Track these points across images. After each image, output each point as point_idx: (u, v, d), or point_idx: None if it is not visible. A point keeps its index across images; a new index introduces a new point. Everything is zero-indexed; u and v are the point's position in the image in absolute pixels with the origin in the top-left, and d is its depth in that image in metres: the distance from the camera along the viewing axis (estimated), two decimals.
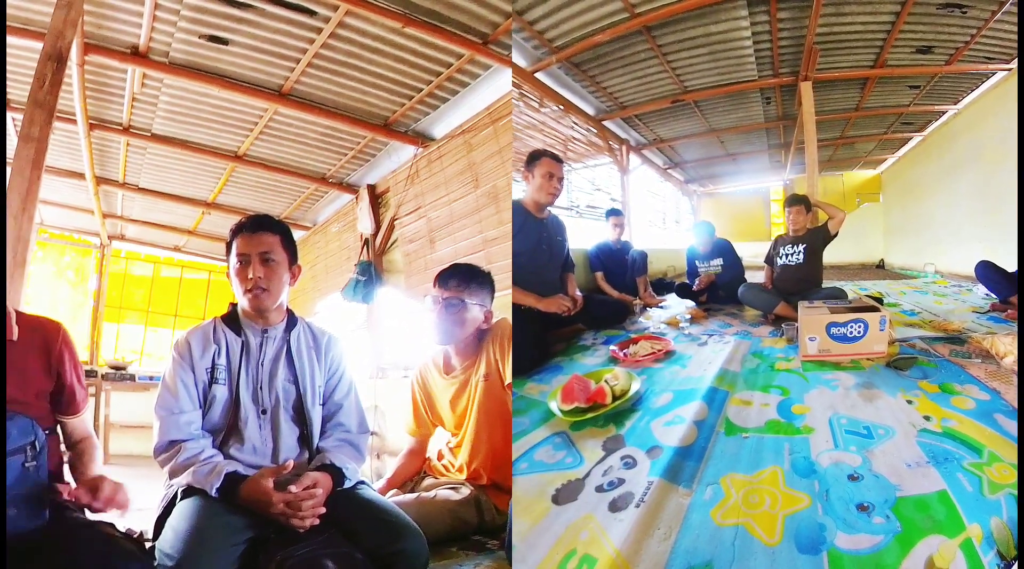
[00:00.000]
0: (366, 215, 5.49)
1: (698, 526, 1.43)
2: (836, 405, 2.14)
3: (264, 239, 1.77)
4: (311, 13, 3.32)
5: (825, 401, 2.19)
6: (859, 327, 2.72)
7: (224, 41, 3.58)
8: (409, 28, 3.36)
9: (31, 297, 6.93)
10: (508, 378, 2.19)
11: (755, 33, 4.62)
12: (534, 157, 3.24)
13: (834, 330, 2.73)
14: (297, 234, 7.05)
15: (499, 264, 3.79)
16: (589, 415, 2.12)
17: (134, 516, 3.29)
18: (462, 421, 2.30)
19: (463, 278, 2.26)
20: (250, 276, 1.74)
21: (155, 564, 1.44)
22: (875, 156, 7.83)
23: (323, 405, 1.87)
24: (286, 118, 4.53)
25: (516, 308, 3.13)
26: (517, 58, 4.61)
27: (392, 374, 5.20)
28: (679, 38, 4.70)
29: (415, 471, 2.43)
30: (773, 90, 5.73)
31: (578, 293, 3.51)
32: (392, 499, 2.05)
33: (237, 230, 1.79)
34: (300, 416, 1.80)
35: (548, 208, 3.40)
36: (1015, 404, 1.99)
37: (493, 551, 1.97)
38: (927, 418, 1.94)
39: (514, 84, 4.65)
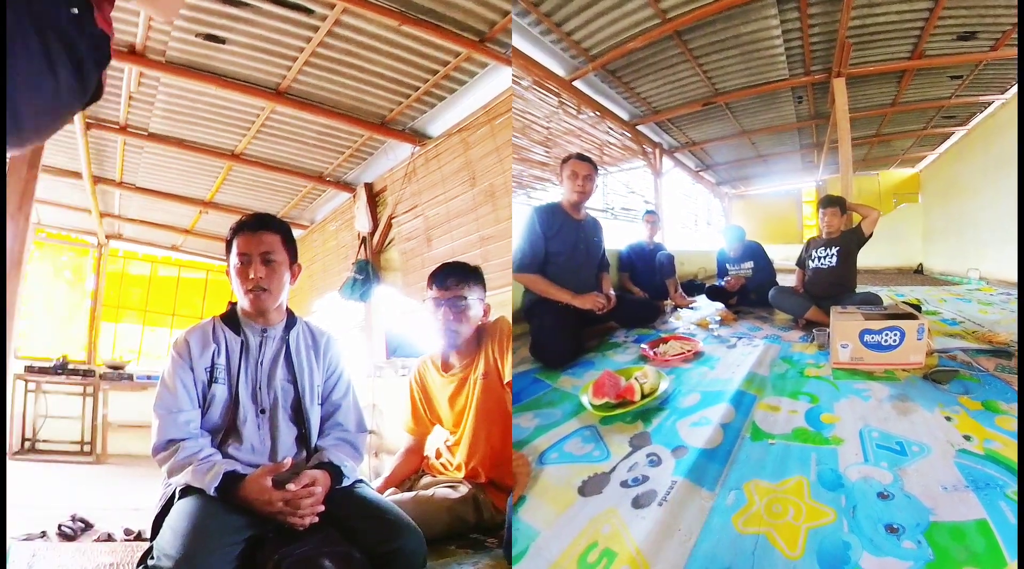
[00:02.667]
0: (363, 213, 5.49)
1: (719, 531, 1.41)
2: (868, 417, 2.04)
3: (265, 238, 1.77)
4: (308, 11, 3.31)
5: (856, 412, 2.10)
6: (895, 335, 2.58)
7: (221, 40, 3.58)
8: (406, 26, 3.35)
9: (28, 297, 6.93)
10: (507, 376, 2.19)
11: (785, 31, 4.54)
12: (563, 161, 3.42)
13: (868, 337, 2.61)
14: (295, 233, 7.00)
15: (496, 262, 3.80)
16: (618, 411, 2.15)
17: (132, 515, 3.30)
18: (460, 419, 2.30)
19: (460, 275, 2.27)
20: (251, 276, 1.74)
21: (154, 563, 1.45)
22: (913, 153, 7.49)
23: (321, 405, 1.87)
24: (283, 117, 4.52)
25: (552, 304, 3.23)
26: (556, 68, 4.84)
27: (389, 373, 5.20)
28: (709, 40, 4.68)
29: (413, 469, 2.43)
30: (805, 88, 5.60)
31: (612, 292, 3.58)
32: (390, 497, 2.06)
33: (238, 229, 1.79)
34: (298, 416, 1.80)
35: (585, 209, 3.53)
36: None
37: (491, 549, 1.97)
38: (967, 438, 1.80)
39: (552, 92, 4.95)
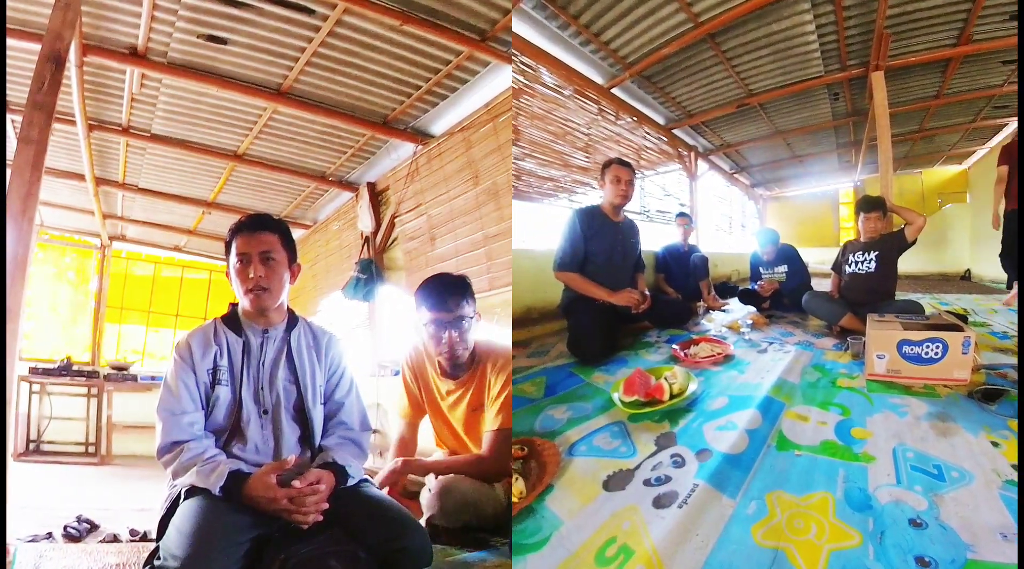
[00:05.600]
0: (366, 213, 5.49)
1: (736, 541, 1.36)
2: (903, 435, 1.91)
3: (264, 238, 1.77)
4: (309, 12, 3.31)
5: (890, 428, 1.97)
6: (937, 348, 2.39)
7: (222, 40, 3.58)
8: (407, 25, 3.35)
9: (32, 299, 6.95)
10: (503, 422, 2.17)
11: (819, 26, 4.41)
12: (605, 165, 3.52)
13: (907, 349, 2.44)
14: (297, 233, 7.06)
15: (500, 261, 3.80)
16: (646, 409, 2.18)
17: (137, 515, 3.31)
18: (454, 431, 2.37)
19: (459, 294, 2.21)
20: (251, 276, 1.74)
21: (160, 563, 1.45)
22: (960, 149, 7.01)
23: (324, 404, 1.87)
24: (285, 117, 4.53)
25: (589, 303, 3.36)
26: (594, 76, 4.98)
27: (394, 371, 5.20)
28: (742, 41, 4.65)
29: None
30: (841, 85, 5.44)
31: (647, 292, 3.64)
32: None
33: (236, 230, 1.79)
34: (301, 416, 1.80)
35: (623, 212, 3.61)
36: None
37: (497, 547, 1.97)
38: (1016, 468, 1.63)
39: (591, 100, 5.15)
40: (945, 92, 5.49)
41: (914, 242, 3.67)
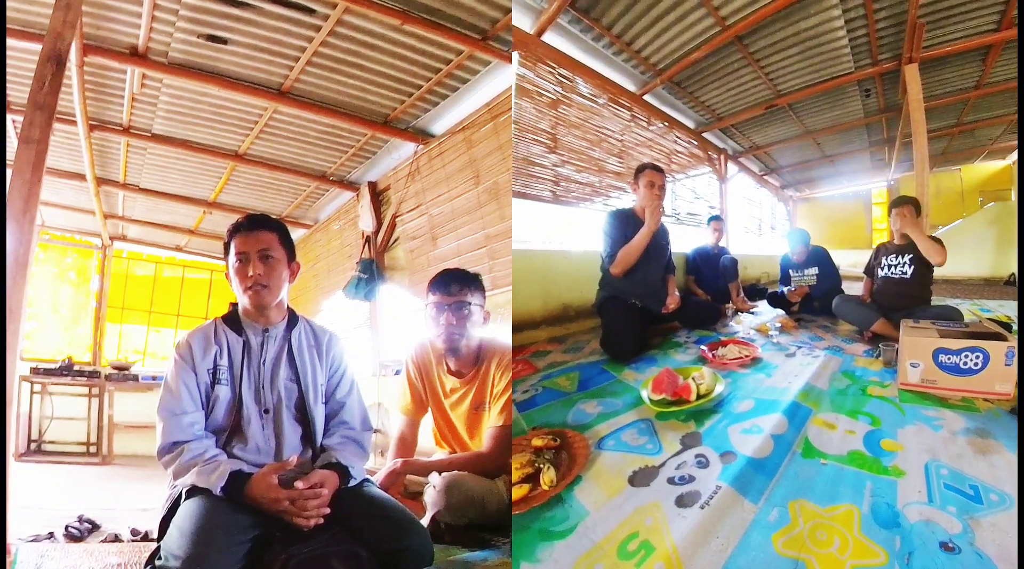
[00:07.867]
0: (367, 213, 5.49)
1: (756, 547, 1.33)
2: (937, 450, 1.80)
3: (262, 236, 1.78)
4: (310, 11, 3.31)
5: (923, 442, 1.87)
6: (977, 358, 2.25)
7: (223, 40, 3.58)
8: (408, 25, 3.35)
9: (33, 299, 6.95)
10: (506, 418, 2.21)
11: (848, 20, 4.23)
12: (638, 170, 3.57)
13: (943, 358, 2.31)
14: (298, 232, 7.06)
15: (502, 260, 3.80)
16: (674, 408, 2.21)
17: (139, 515, 3.31)
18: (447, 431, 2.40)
19: (462, 282, 2.32)
20: (250, 273, 1.75)
21: (161, 563, 1.45)
22: (1004, 142, 6.52)
23: (325, 403, 1.87)
24: (286, 117, 4.53)
25: (622, 303, 3.46)
26: (626, 83, 5.06)
27: (396, 371, 5.20)
28: (770, 41, 4.58)
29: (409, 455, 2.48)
30: (873, 80, 5.22)
31: (677, 293, 3.69)
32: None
33: (235, 230, 1.80)
34: (302, 415, 1.80)
35: None
36: None
37: (498, 547, 1.97)
38: None
39: (624, 107, 5.27)
40: (986, 82, 5.15)
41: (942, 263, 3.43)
